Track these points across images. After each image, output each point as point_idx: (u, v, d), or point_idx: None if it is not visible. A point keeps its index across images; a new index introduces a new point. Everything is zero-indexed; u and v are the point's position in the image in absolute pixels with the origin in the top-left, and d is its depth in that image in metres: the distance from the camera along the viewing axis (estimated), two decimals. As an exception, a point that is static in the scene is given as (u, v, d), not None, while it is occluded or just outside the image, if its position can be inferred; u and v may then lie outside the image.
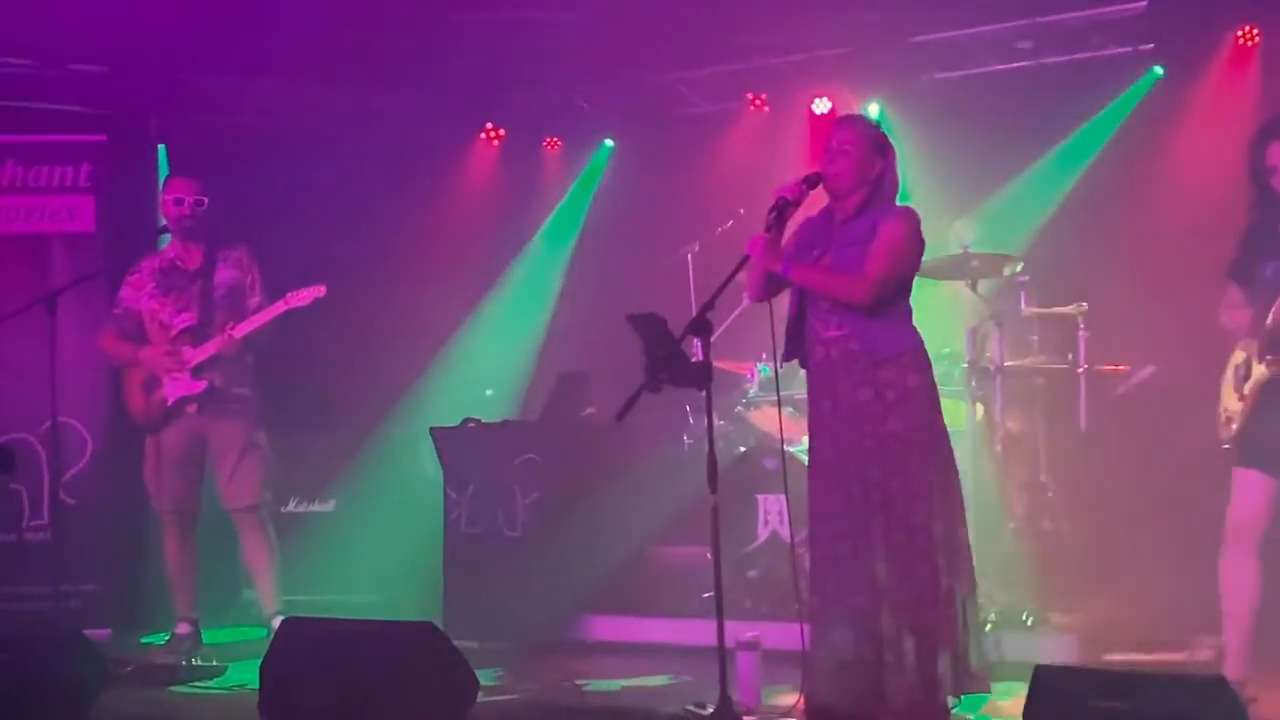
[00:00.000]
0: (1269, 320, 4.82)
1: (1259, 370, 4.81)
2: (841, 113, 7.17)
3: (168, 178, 6.71)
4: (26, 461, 6.75)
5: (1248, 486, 4.88)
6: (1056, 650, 5.72)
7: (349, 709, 4.63)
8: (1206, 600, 5.24)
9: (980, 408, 6.53)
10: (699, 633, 5.30)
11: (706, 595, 5.59)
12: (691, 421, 7.04)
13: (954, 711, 4.89)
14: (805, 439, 5.47)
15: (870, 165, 4.66)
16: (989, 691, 4.97)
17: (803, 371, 5.19)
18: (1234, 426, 4.93)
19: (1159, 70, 7.28)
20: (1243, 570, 4.99)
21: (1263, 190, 4.91)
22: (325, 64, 7.66)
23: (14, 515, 6.96)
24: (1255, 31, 7.06)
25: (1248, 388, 4.89)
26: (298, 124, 7.92)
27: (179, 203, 6.14)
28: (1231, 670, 4.77)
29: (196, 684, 5.97)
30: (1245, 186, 5.20)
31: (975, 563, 5.33)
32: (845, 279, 4.69)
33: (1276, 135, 4.87)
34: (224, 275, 6.22)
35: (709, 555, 4.89)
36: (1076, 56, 7.38)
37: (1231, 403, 4.93)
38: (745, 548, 6.49)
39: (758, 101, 8.03)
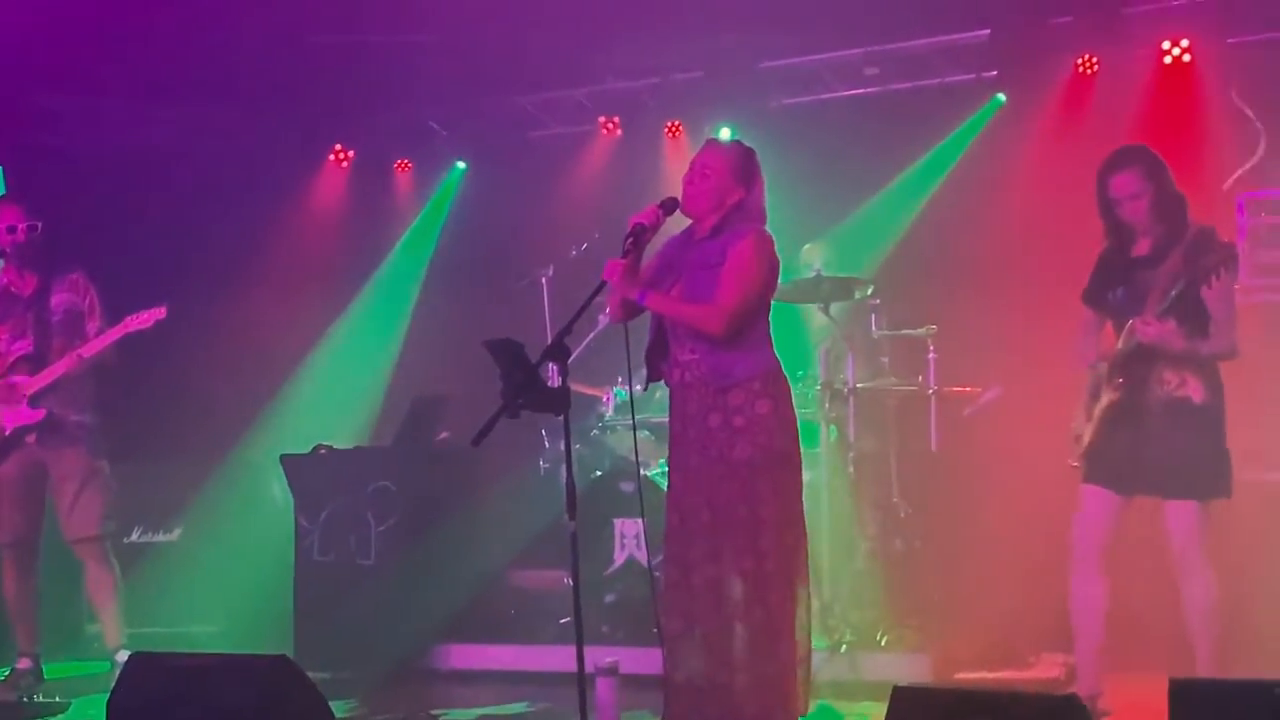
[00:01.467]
0: (1119, 345, 4.86)
1: (1107, 392, 4.85)
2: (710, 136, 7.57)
3: (0, 198, 6.93)
4: None
5: (1092, 502, 4.92)
6: (910, 669, 5.73)
7: None
8: (1058, 617, 5.20)
9: (834, 429, 6.55)
10: (556, 659, 5.30)
11: (564, 621, 5.51)
12: (547, 445, 6.93)
13: None
14: (663, 462, 5.52)
15: (730, 191, 4.55)
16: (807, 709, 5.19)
17: (659, 395, 5.35)
18: (1083, 445, 5.02)
19: (1001, 97, 7.40)
20: (1090, 587, 5.01)
21: (1111, 219, 4.93)
22: (168, 85, 7.52)
23: None
24: (1094, 59, 7.22)
25: (1097, 409, 4.93)
26: (138, 145, 7.77)
27: (11, 230, 5.95)
28: (1084, 686, 4.80)
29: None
30: (1087, 211, 5.21)
31: (830, 583, 5.53)
32: (698, 309, 4.60)
33: (1118, 168, 4.86)
34: (59, 300, 6.01)
35: (567, 580, 4.93)
36: (922, 83, 7.52)
37: (1081, 423, 4.95)
38: (603, 572, 6.42)
39: (610, 125, 7.97)
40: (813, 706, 5.09)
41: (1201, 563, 4.80)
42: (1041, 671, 5.64)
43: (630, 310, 4.75)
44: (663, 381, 4.99)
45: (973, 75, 7.42)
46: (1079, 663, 5.14)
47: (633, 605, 6.34)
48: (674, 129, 7.75)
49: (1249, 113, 6.62)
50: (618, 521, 6.44)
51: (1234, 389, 5.02)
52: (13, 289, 6.03)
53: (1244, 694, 3.37)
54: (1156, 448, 4.77)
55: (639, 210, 4.73)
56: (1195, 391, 4.72)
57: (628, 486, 6.47)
